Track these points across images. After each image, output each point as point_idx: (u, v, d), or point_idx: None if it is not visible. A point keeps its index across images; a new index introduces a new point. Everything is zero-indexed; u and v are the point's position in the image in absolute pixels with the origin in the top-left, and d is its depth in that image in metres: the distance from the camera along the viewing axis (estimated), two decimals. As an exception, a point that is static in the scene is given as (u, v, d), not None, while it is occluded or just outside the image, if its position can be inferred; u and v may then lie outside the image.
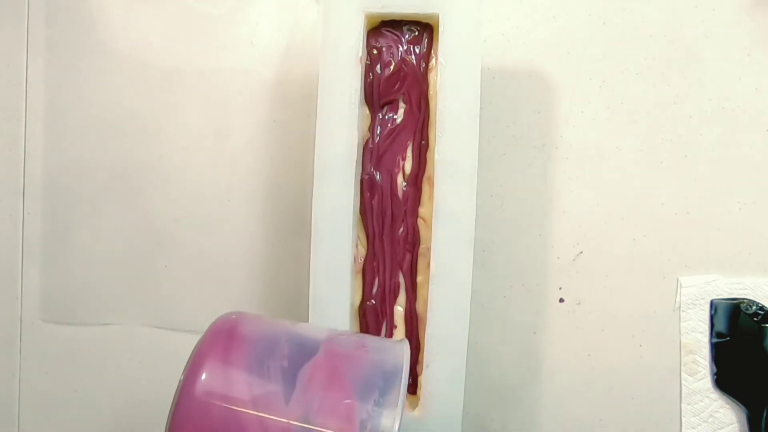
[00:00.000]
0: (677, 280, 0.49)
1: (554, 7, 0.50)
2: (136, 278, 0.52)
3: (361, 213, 0.43)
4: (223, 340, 0.33)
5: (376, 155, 0.43)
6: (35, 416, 0.53)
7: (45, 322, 0.53)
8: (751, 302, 0.48)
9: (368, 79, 0.43)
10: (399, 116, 0.43)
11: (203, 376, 0.31)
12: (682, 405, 0.49)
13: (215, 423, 0.30)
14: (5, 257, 0.53)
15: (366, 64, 0.43)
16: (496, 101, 0.50)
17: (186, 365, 0.32)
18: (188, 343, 0.32)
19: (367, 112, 0.43)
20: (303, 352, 0.33)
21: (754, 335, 0.48)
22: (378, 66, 0.43)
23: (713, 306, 0.49)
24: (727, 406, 0.49)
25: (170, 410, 0.31)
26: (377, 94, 0.43)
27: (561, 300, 0.50)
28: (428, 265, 0.42)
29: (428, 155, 0.43)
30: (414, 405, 0.43)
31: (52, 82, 0.53)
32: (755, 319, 0.48)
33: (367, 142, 0.43)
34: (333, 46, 0.41)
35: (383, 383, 0.32)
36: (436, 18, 0.41)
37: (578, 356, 0.50)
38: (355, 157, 0.41)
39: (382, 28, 0.43)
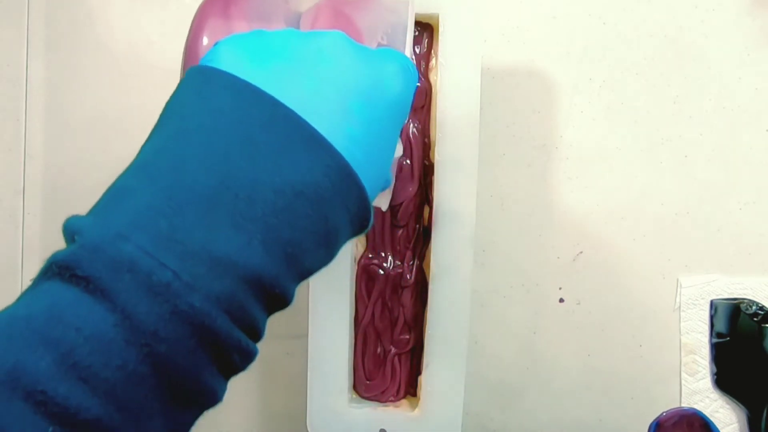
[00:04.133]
0: (677, 280, 0.49)
1: (554, 7, 0.50)
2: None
3: (361, 213, 0.43)
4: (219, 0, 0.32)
5: (376, 155, 0.43)
6: (35, 416, 0.53)
7: (45, 322, 0.52)
8: (751, 302, 0.48)
9: (368, 79, 0.43)
10: (399, 116, 0.43)
11: (205, 38, 0.30)
12: (682, 405, 0.49)
13: None
14: (5, 257, 0.53)
15: (366, 64, 0.43)
16: (496, 101, 0.50)
17: (188, 33, 0.31)
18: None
19: (367, 112, 0.43)
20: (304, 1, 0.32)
21: (754, 335, 0.48)
22: (378, 66, 0.43)
23: (713, 306, 0.49)
24: (727, 406, 0.49)
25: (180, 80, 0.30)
26: (377, 94, 0.43)
27: (561, 300, 0.50)
28: (428, 265, 0.42)
29: (429, 155, 0.43)
30: (414, 405, 0.43)
31: (52, 82, 0.53)
32: (755, 319, 0.48)
33: (367, 142, 0.43)
34: (333, 46, 0.41)
35: (390, 26, 0.31)
36: (436, 18, 0.41)
37: (578, 356, 0.50)
38: (355, 157, 0.41)
39: (382, 28, 0.43)
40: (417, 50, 0.43)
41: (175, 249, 0.22)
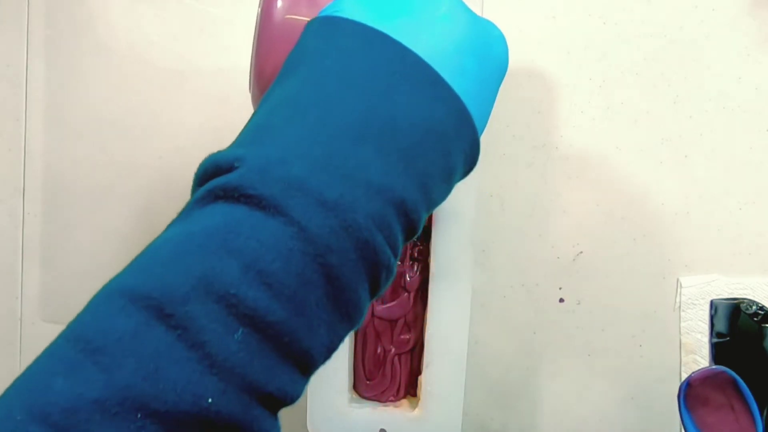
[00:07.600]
0: (677, 280, 0.49)
1: (554, 7, 0.50)
2: (136, 278, 0.52)
3: (361, 213, 0.43)
4: None
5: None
6: (35, 416, 0.53)
7: (45, 322, 0.52)
8: (751, 302, 0.48)
9: (368, 79, 0.43)
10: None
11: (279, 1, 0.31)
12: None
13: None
14: (5, 257, 0.53)
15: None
16: (496, 101, 0.50)
17: None
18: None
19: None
20: None
21: (754, 335, 0.48)
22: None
23: (713, 306, 0.49)
24: (727, 406, 0.49)
25: (253, 44, 0.30)
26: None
27: (561, 300, 0.50)
28: (428, 265, 0.42)
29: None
30: (414, 405, 0.43)
31: (52, 82, 0.53)
32: (755, 319, 0.48)
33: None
34: (333, 46, 0.41)
35: None
36: (436, 18, 0.41)
37: (578, 356, 0.50)
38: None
39: (382, 28, 0.43)
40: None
41: (334, 173, 0.23)
